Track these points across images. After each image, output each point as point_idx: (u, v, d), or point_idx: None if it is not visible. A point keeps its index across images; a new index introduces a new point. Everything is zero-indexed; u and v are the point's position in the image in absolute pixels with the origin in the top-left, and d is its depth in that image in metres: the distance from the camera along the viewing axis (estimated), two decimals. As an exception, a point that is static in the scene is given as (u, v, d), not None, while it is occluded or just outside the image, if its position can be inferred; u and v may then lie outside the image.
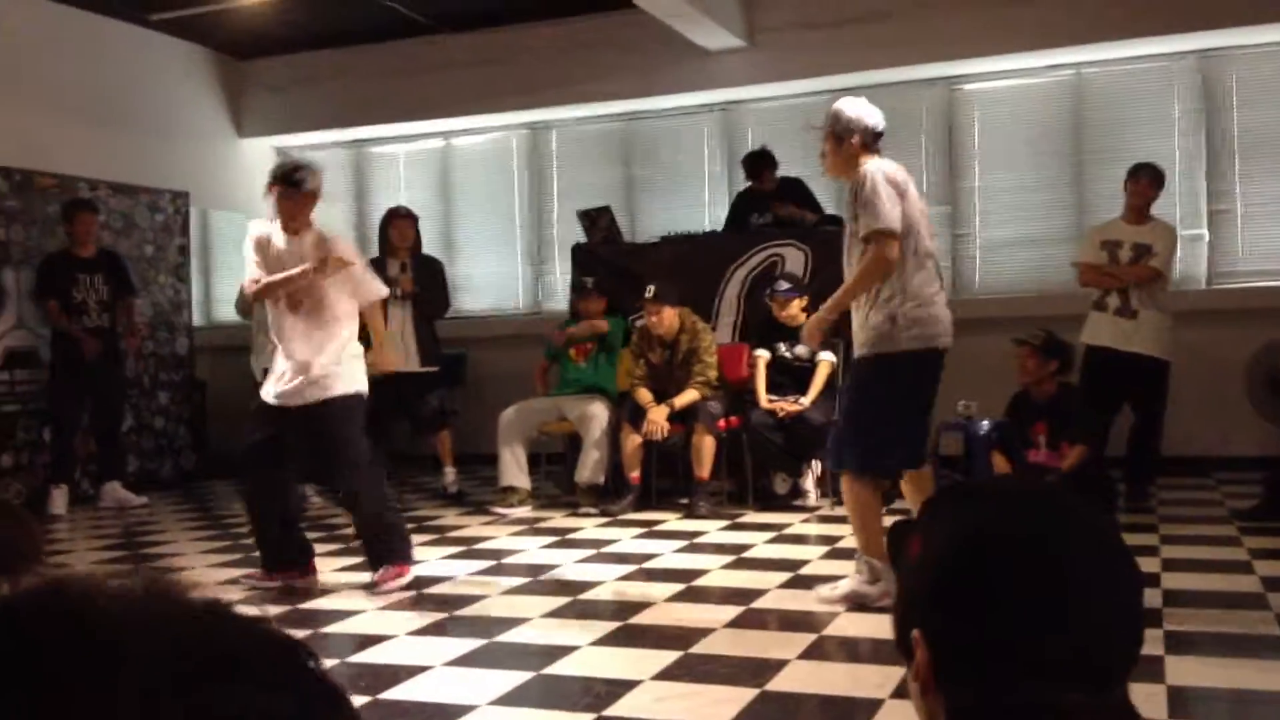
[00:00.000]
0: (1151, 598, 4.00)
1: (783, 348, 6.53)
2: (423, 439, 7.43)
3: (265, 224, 4.73)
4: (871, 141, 4.12)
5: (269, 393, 4.61)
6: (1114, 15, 7.05)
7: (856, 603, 4.05)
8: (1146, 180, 6.02)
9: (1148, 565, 4.53)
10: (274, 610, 4.32)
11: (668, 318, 6.44)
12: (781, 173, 7.39)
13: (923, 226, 4.09)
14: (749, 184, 7.46)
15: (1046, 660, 0.88)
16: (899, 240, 3.97)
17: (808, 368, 6.44)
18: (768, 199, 7.20)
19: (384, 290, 4.96)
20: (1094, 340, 6.01)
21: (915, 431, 4.18)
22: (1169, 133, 7.39)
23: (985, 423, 5.89)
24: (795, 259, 6.94)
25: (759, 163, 7.32)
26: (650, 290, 6.40)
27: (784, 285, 6.50)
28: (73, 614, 0.43)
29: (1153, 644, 3.41)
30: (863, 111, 4.13)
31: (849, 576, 4.16)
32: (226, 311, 8.59)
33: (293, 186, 4.58)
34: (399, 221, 7.08)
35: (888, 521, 3.35)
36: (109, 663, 0.42)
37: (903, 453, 4.13)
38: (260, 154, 9.54)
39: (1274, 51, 7.17)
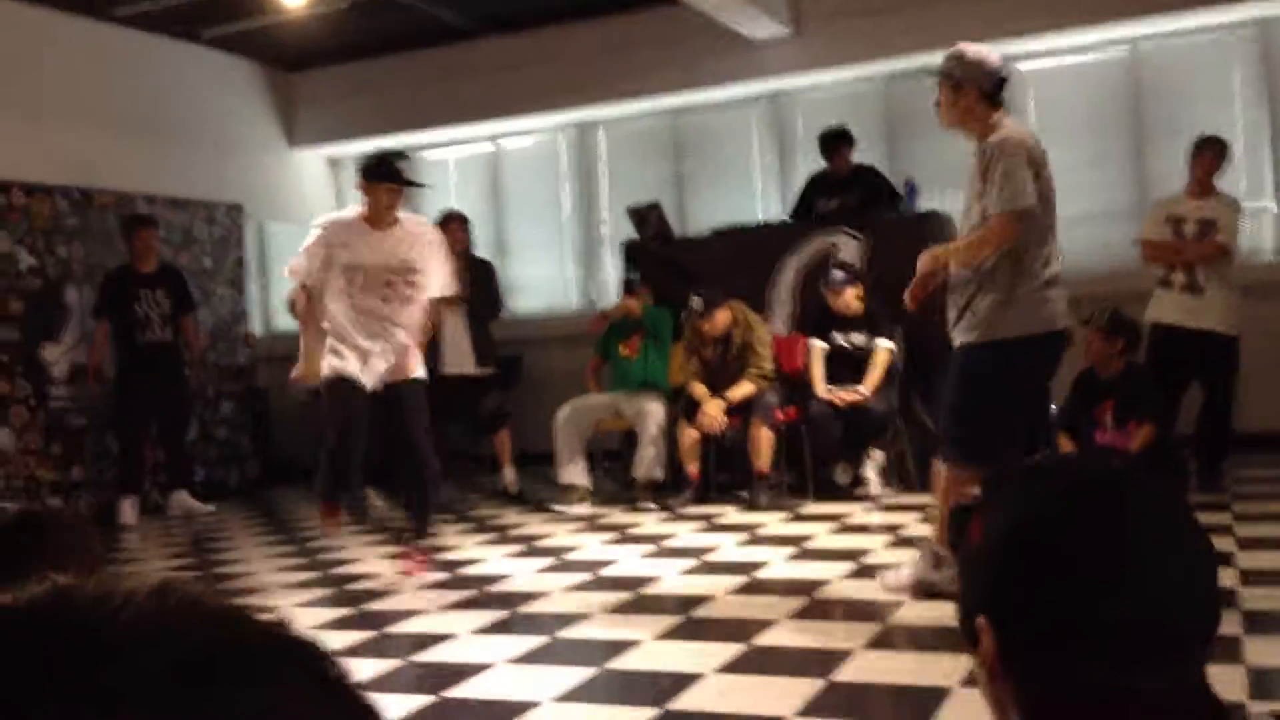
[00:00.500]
0: (1227, 577, 3.89)
1: (839, 337, 6.46)
2: (481, 440, 7.46)
3: (339, 216, 4.75)
4: (993, 91, 3.83)
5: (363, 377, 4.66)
6: (1170, -13, 6.90)
7: (924, 590, 3.92)
8: (1211, 154, 5.86)
9: (1222, 544, 4.41)
10: (337, 612, 4.35)
11: (721, 321, 6.40)
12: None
13: (1051, 202, 3.83)
14: (823, 167, 7.27)
15: (1116, 638, 0.84)
16: (1029, 221, 3.72)
17: (865, 356, 6.37)
18: (841, 184, 7.06)
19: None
20: (1160, 318, 5.87)
21: (1032, 419, 3.94)
22: (1230, 104, 7.21)
23: (1051, 406, 5.77)
24: (849, 247, 6.87)
25: (834, 142, 7.10)
26: (698, 303, 6.34)
27: (839, 274, 6.43)
28: (77, 620, 0.41)
29: (1230, 624, 3.31)
30: (985, 56, 3.82)
31: (911, 563, 4.03)
32: (286, 321, 8.69)
33: (393, 178, 4.61)
34: (451, 225, 7.11)
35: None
36: (114, 671, 0.39)
37: (1016, 443, 3.83)
38: (312, 164, 9.66)
39: (1338, 15, 6.96)
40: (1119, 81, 7.50)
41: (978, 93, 3.82)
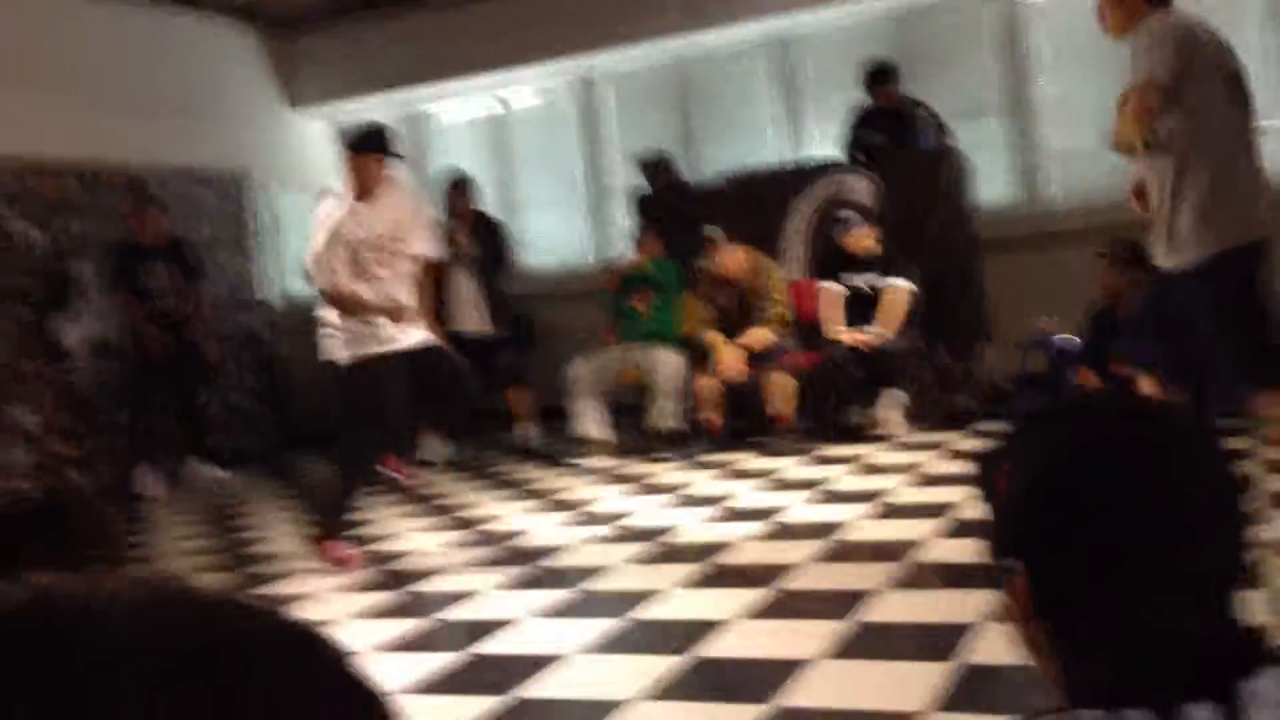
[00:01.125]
0: (1252, 500, 3.85)
1: (854, 279, 6.41)
2: (496, 397, 7.46)
3: (336, 198, 4.68)
4: None
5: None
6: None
7: None
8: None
9: (1248, 469, 4.38)
10: (363, 576, 4.38)
11: (735, 260, 6.34)
12: (839, 100, 7.19)
13: (1236, 99, 3.45)
14: (868, 103, 7.08)
15: (1149, 578, 0.83)
16: (1166, 95, 3.37)
17: (877, 296, 6.32)
18: (890, 118, 6.96)
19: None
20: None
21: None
22: (1246, 27, 7.06)
23: (1067, 337, 5.73)
24: (862, 188, 6.79)
25: (876, 78, 6.94)
26: (716, 231, 6.31)
27: (851, 215, 6.37)
28: (60, 623, 0.39)
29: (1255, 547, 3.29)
30: None
31: None
32: (299, 287, 8.68)
33: (382, 150, 4.56)
34: (455, 190, 7.07)
35: None
36: (101, 676, 0.37)
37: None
38: (315, 127, 9.59)
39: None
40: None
41: None
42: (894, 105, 6.93)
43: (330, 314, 4.62)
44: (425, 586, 4.12)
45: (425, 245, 4.79)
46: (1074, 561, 0.85)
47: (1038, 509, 0.88)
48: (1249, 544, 0.88)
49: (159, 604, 0.41)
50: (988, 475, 0.94)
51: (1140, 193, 3.88)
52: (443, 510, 5.58)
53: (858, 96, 7.08)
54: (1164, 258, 3.53)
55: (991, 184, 7.47)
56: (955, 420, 6.27)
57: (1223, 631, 0.84)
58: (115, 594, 0.40)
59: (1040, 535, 0.87)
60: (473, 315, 7.00)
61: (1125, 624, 0.83)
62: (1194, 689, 0.78)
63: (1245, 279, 3.42)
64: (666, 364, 6.50)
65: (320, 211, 4.69)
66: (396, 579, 4.27)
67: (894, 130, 6.91)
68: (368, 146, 4.57)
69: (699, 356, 6.42)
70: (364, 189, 4.58)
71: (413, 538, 4.98)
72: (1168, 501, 0.84)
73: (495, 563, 4.37)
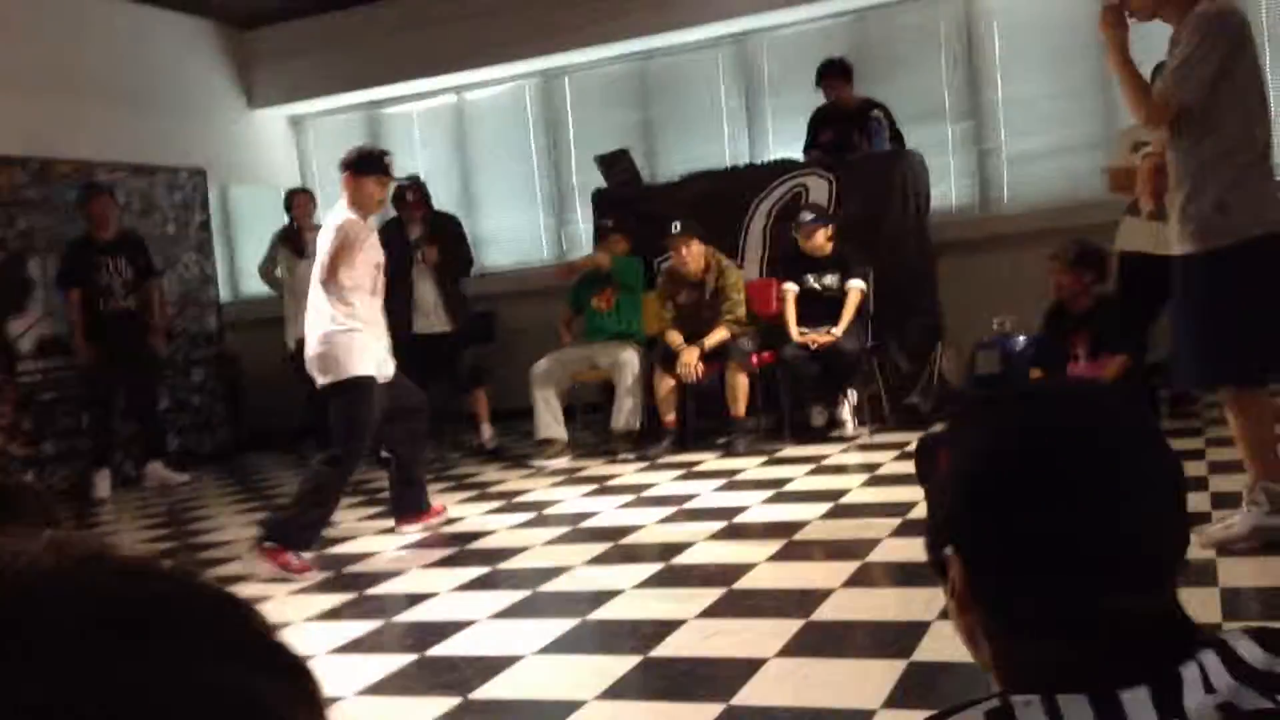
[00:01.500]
0: (1200, 501, 3.92)
1: (810, 279, 6.45)
2: (459, 398, 7.43)
3: (348, 214, 4.61)
4: None
5: (381, 373, 4.64)
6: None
7: (1264, 540, 3.37)
8: (1171, 76, 5.82)
9: (1194, 469, 4.45)
10: (318, 576, 4.34)
11: (696, 252, 6.36)
12: (798, 100, 7.21)
13: (1254, 92, 3.41)
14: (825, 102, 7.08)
15: (1087, 564, 0.83)
16: (1172, 119, 3.39)
17: (837, 297, 6.36)
18: (845, 117, 6.95)
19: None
20: (1128, 246, 5.86)
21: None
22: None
23: (1022, 338, 5.79)
24: (819, 188, 6.84)
25: (825, 74, 6.90)
26: (676, 225, 6.33)
27: (808, 215, 6.40)
28: None
29: (1204, 548, 3.35)
30: None
31: (1243, 512, 3.44)
32: (254, 285, 8.60)
33: (385, 170, 4.62)
34: (406, 193, 6.94)
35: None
36: (12, 633, 0.36)
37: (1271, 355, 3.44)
38: (273, 124, 9.51)
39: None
40: (1082, 9, 7.44)
41: None
42: (846, 103, 6.96)
43: (362, 329, 4.57)
44: (382, 588, 4.10)
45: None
46: (1013, 544, 0.85)
47: (979, 490, 0.87)
48: (1187, 533, 0.89)
49: (78, 562, 0.40)
50: (926, 458, 0.95)
51: (1123, 183, 3.86)
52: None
53: (817, 98, 7.11)
54: (1179, 243, 3.48)
55: (947, 186, 7.54)
56: (914, 421, 6.32)
57: (1160, 615, 0.85)
58: (35, 554, 0.39)
59: (980, 517, 0.87)
60: (435, 316, 6.97)
61: (1063, 608, 0.84)
62: (1129, 673, 0.79)
63: (1257, 271, 3.37)
64: (629, 363, 6.50)
65: (336, 227, 4.56)
66: (354, 581, 4.24)
67: (848, 130, 6.94)
68: (368, 168, 4.58)
69: (659, 355, 6.43)
70: (367, 212, 4.62)
71: (371, 539, 4.96)
72: (1108, 486, 0.85)
73: (451, 563, 4.35)
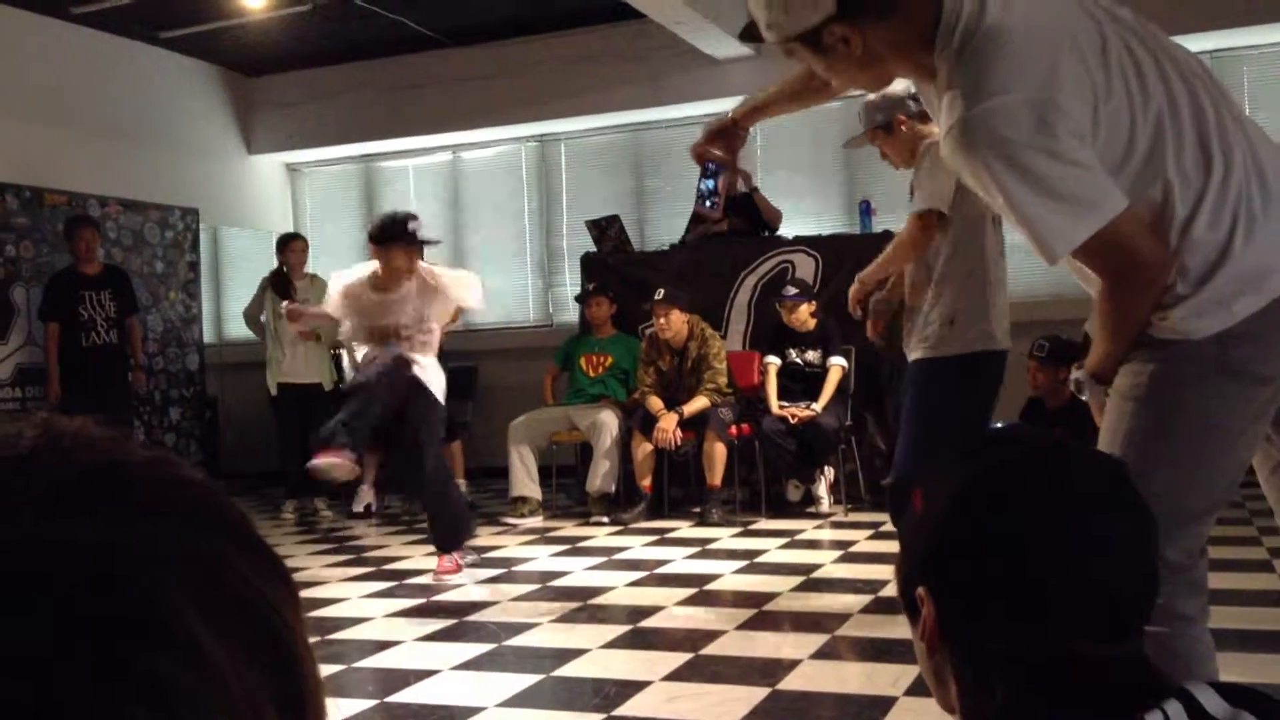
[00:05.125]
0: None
1: (793, 354, 6.49)
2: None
3: (354, 275, 4.71)
4: (919, 109, 3.58)
5: None
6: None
7: None
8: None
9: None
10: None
11: (676, 321, 6.41)
12: (781, 179, 7.31)
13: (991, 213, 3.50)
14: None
15: (1056, 608, 0.85)
16: (941, 224, 3.54)
17: (818, 373, 6.40)
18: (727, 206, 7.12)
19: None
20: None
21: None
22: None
23: (998, 426, 5.81)
24: (805, 265, 6.91)
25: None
26: (660, 293, 6.38)
27: (792, 290, 6.46)
28: None
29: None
30: (889, 89, 3.54)
31: None
32: (238, 327, 8.59)
33: (408, 240, 4.58)
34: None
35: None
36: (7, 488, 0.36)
37: None
38: (270, 170, 9.58)
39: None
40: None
41: (907, 119, 3.75)
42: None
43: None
44: (346, 633, 4.05)
45: (470, 301, 4.87)
46: (984, 587, 0.87)
47: (951, 532, 0.88)
48: (1156, 579, 0.90)
49: (64, 435, 0.39)
50: (900, 499, 0.96)
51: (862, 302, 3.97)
52: (369, 561, 5.51)
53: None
54: (914, 346, 3.65)
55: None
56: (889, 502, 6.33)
57: (1127, 663, 0.86)
58: (19, 430, 0.39)
59: (947, 564, 0.89)
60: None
61: (1031, 652, 0.85)
62: (1096, 716, 0.80)
63: (972, 385, 3.54)
64: (607, 425, 6.51)
65: (339, 284, 4.73)
66: (314, 626, 4.19)
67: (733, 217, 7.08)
68: (391, 237, 4.55)
69: (639, 420, 6.44)
70: (391, 279, 4.59)
71: (337, 587, 4.91)
72: (1080, 533, 0.86)
73: (417, 614, 4.31)
